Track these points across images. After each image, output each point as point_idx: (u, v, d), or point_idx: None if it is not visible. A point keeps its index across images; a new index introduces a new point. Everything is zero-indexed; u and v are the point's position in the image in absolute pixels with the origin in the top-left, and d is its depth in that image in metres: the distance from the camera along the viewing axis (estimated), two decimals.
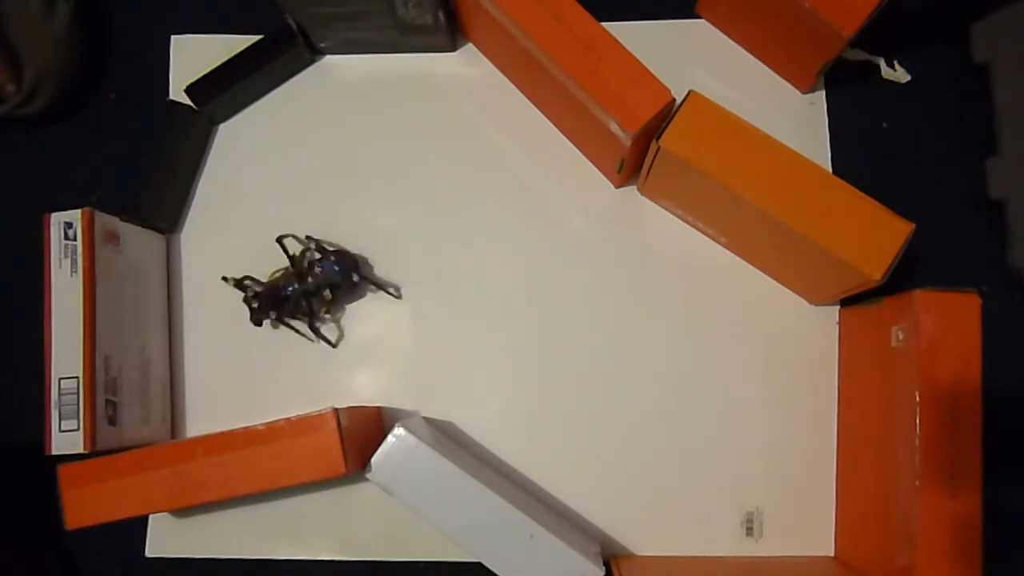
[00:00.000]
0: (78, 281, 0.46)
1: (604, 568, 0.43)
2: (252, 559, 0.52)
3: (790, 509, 0.50)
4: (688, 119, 0.44)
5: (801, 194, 0.43)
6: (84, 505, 0.45)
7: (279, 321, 0.52)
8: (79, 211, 0.47)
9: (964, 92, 0.54)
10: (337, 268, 0.51)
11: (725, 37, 0.55)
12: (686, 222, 0.53)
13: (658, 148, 0.44)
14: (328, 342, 0.53)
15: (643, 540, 0.51)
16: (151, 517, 0.52)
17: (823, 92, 0.54)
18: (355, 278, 0.51)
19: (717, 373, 0.52)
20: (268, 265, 0.54)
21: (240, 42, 0.54)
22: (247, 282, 0.52)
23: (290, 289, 0.51)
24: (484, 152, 0.55)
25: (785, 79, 0.54)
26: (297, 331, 0.53)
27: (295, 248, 0.53)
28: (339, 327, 0.54)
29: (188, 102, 0.54)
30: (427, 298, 0.54)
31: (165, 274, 0.55)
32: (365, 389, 0.53)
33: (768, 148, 0.43)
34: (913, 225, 0.42)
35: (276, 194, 0.55)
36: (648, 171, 0.49)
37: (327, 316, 0.53)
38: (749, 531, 0.50)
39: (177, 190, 0.55)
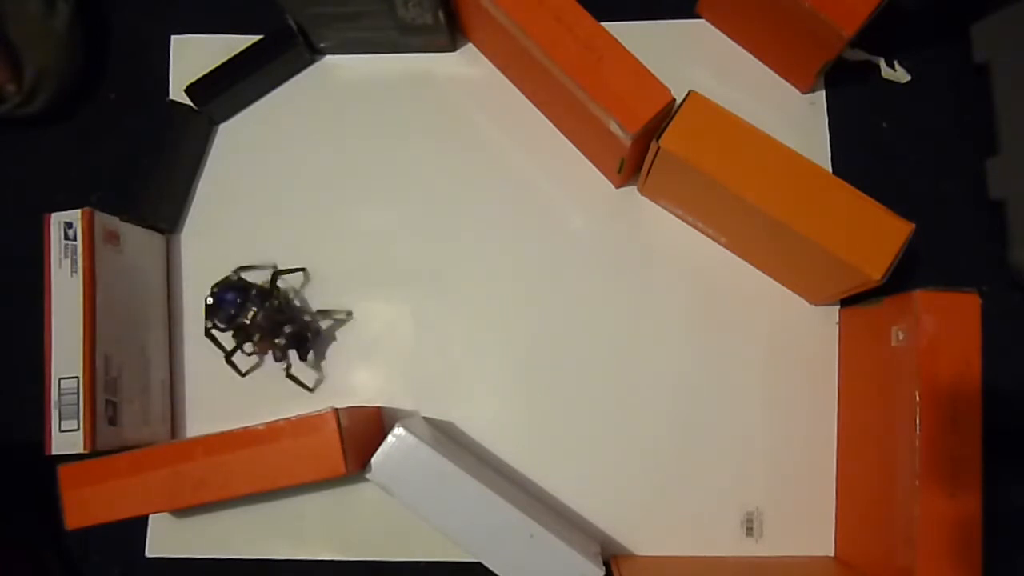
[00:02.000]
0: (78, 281, 0.46)
1: (604, 568, 0.43)
2: (252, 559, 0.52)
3: (790, 509, 0.50)
4: (688, 119, 0.44)
5: (801, 194, 0.43)
6: (84, 505, 0.45)
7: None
8: (79, 211, 0.47)
9: (964, 92, 0.54)
10: (236, 300, 0.50)
11: (725, 37, 0.55)
12: (686, 222, 0.53)
13: (658, 148, 0.44)
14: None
15: (643, 540, 0.51)
16: (151, 517, 0.52)
17: (823, 92, 0.54)
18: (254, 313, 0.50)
19: (717, 373, 0.52)
20: (270, 265, 0.54)
21: (240, 42, 0.54)
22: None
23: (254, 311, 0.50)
24: (484, 152, 0.55)
25: (785, 79, 0.54)
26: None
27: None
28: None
29: (188, 102, 0.54)
30: (427, 298, 0.54)
31: (165, 274, 0.55)
32: (365, 389, 0.53)
33: (768, 148, 0.43)
34: (913, 225, 0.42)
35: (276, 194, 0.55)
36: (648, 171, 0.49)
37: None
38: (749, 531, 0.50)
39: (177, 190, 0.55)
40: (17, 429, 0.53)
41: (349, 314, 0.53)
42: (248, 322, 0.50)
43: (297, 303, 0.53)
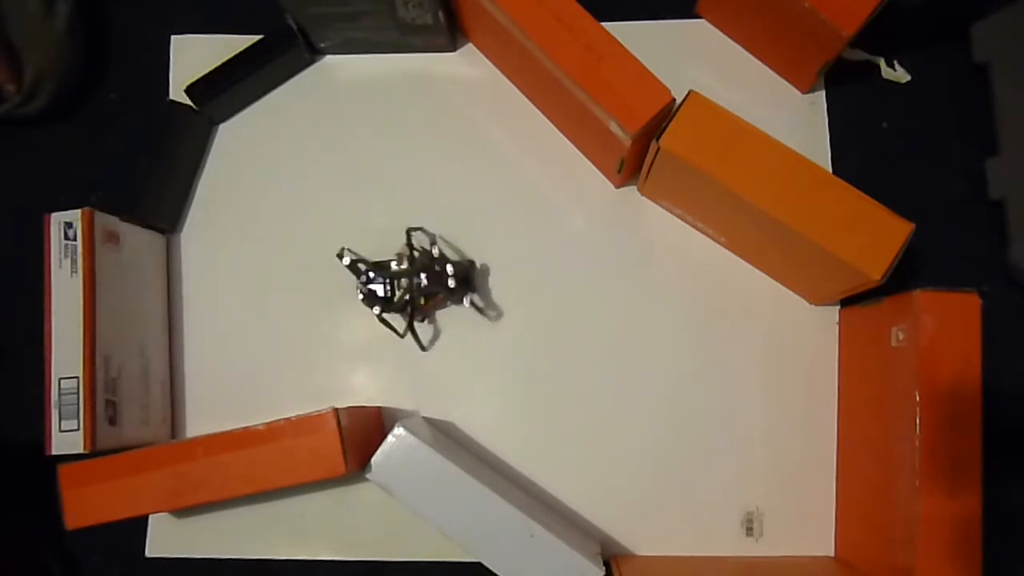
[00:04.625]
0: (78, 281, 0.46)
1: (604, 568, 0.43)
2: (252, 559, 0.52)
3: (790, 509, 0.50)
4: (688, 119, 0.44)
5: (801, 194, 0.43)
6: (84, 505, 0.45)
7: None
8: (79, 211, 0.47)
9: (964, 92, 0.54)
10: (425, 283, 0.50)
11: (725, 37, 0.55)
12: (686, 222, 0.53)
13: (658, 148, 0.44)
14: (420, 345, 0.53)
15: (643, 540, 0.51)
16: (151, 517, 0.52)
17: (823, 92, 0.54)
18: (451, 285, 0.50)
19: (717, 373, 0.52)
20: (270, 265, 0.54)
21: (240, 42, 0.54)
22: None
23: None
24: (484, 152, 0.55)
25: (785, 79, 0.54)
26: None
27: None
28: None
29: (188, 102, 0.54)
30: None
31: (165, 274, 0.55)
32: (365, 389, 0.53)
33: (768, 148, 0.43)
34: (913, 225, 0.42)
35: (276, 194, 0.55)
36: (648, 171, 0.49)
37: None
38: (749, 531, 0.50)
39: (177, 190, 0.55)
40: (17, 429, 0.53)
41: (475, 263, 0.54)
42: (413, 291, 0.50)
43: (436, 252, 0.52)
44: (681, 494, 0.51)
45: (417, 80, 0.56)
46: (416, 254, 0.51)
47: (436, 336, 0.53)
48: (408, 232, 0.52)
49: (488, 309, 0.53)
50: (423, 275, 0.50)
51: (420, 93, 0.56)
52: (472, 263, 0.53)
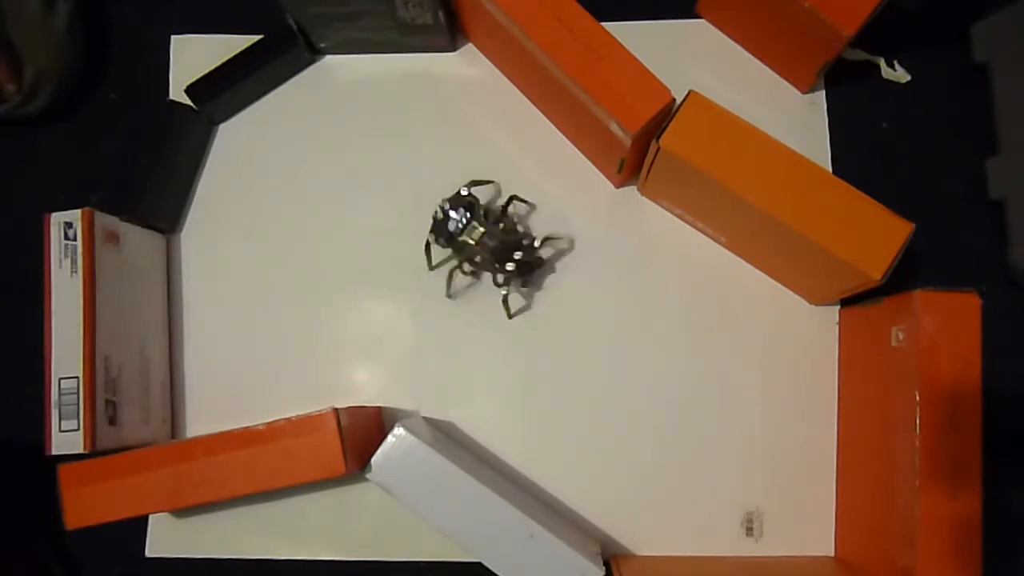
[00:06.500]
0: (78, 281, 0.46)
1: (604, 568, 0.43)
2: (252, 559, 0.52)
3: (790, 509, 0.50)
4: (688, 119, 0.44)
5: (801, 194, 0.43)
6: (84, 505, 0.45)
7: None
8: (79, 211, 0.47)
9: (964, 92, 0.54)
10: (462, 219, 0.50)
11: (725, 37, 0.55)
12: (686, 222, 0.53)
13: (658, 148, 0.44)
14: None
15: (643, 540, 0.51)
16: (151, 517, 0.52)
17: (823, 92, 0.54)
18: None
19: (717, 373, 0.52)
20: (271, 265, 0.54)
21: (240, 42, 0.54)
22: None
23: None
24: (484, 152, 0.55)
25: (785, 79, 0.54)
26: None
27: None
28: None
29: (188, 102, 0.54)
30: (427, 298, 0.53)
31: (165, 274, 0.55)
32: (365, 389, 0.53)
33: (768, 148, 0.43)
34: (913, 225, 0.42)
35: (276, 194, 0.55)
36: (648, 171, 0.49)
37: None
38: (749, 531, 0.50)
39: (177, 190, 0.55)
40: (17, 429, 0.53)
41: (571, 242, 0.53)
42: (473, 242, 0.50)
43: (521, 228, 0.52)
44: (681, 494, 0.51)
45: (417, 80, 0.56)
46: (507, 218, 0.51)
47: (436, 336, 0.53)
48: (511, 198, 0.52)
49: (513, 301, 0.52)
50: (496, 241, 0.49)
51: (420, 93, 0.56)
52: (541, 260, 0.52)
